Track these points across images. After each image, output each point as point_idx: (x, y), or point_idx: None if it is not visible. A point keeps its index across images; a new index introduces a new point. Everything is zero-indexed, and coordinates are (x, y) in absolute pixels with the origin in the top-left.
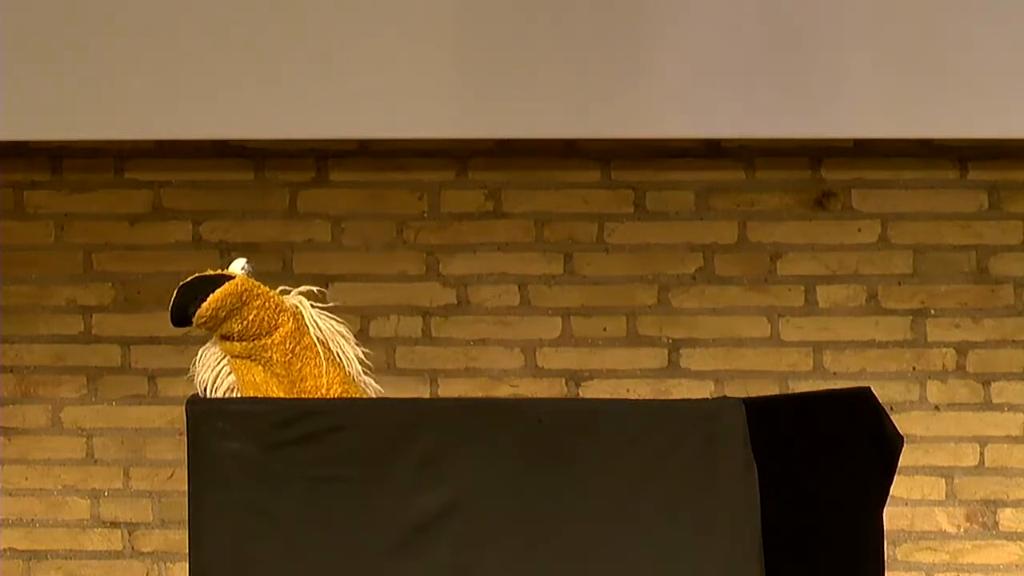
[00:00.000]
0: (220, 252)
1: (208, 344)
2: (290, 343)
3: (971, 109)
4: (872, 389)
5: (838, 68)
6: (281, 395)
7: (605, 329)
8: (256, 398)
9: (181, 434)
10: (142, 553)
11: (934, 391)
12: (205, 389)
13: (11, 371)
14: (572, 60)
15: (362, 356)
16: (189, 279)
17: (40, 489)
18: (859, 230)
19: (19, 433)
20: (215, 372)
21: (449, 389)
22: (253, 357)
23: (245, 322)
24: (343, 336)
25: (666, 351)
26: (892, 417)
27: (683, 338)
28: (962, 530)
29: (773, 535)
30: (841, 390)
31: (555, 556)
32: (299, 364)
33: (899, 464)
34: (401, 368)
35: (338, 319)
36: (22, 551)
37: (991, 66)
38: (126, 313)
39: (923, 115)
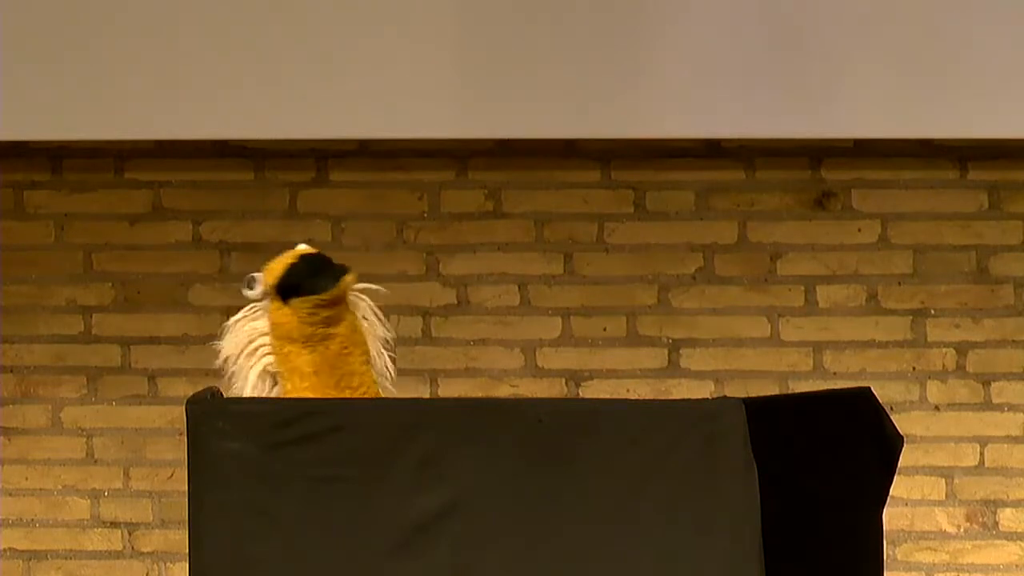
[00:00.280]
0: (220, 252)
1: (242, 318)
2: (351, 337)
3: (971, 109)
4: (872, 389)
5: (838, 68)
6: (327, 384)
7: (605, 329)
8: (256, 398)
9: (181, 434)
10: (142, 553)
11: (934, 391)
12: (230, 361)
13: (11, 371)
14: (572, 60)
15: (391, 363)
16: (308, 252)
17: (40, 489)
18: (859, 230)
19: (19, 433)
20: (252, 348)
21: (449, 389)
22: (310, 343)
23: (335, 309)
24: (387, 340)
25: (666, 351)
26: (892, 417)
27: (683, 338)
28: (962, 530)
29: (773, 535)
30: (841, 390)
31: (555, 556)
32: (352, 359)
33: (899, 464)
34: (401, 368)
35: (387, 324)
36: (22, 551)
37: (991, 66)
38: (126, 313)
39: (923, 115)
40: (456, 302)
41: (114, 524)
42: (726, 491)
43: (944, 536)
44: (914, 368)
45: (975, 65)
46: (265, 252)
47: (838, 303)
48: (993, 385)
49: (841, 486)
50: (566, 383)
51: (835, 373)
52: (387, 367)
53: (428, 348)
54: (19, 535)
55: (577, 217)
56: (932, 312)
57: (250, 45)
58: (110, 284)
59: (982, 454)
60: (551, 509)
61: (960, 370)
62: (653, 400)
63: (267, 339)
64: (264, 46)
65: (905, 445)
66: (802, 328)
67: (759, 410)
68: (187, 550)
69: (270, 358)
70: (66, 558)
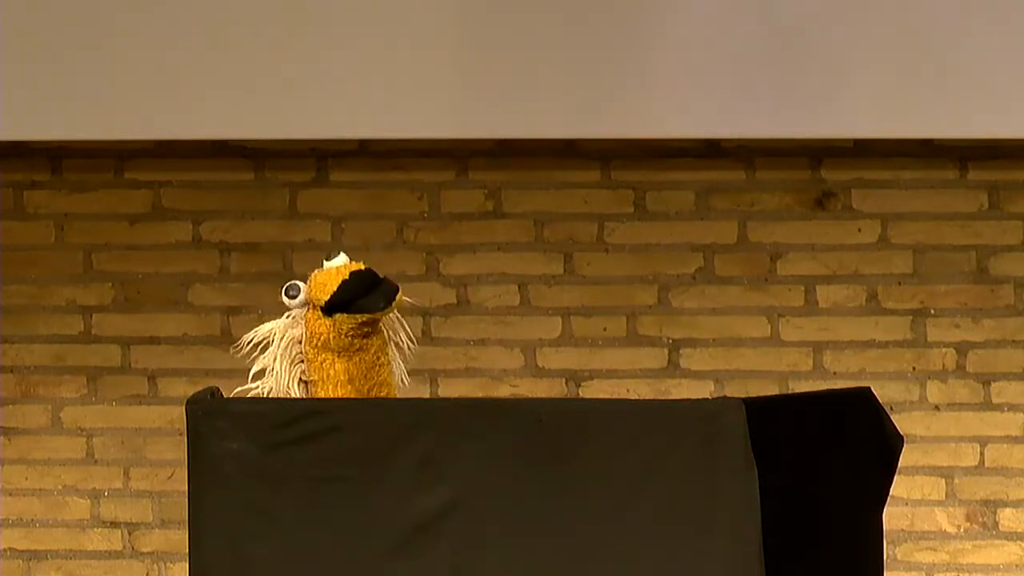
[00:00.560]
0: (220, 252)
1: (277, 326)
2: (384, 348)
3: (971, 109)
4: (872, 389)
5: (838, 68)
6: (360, 393)
7: (605, 329)
8: (256, 398)
9: (181, 434)
10: (142, 553)
11: (934, 391)
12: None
13: (11, 371)
14: (572, 60)
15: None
16: (358, 268)
17: (40, 489)
18: (859, 230)
19: (19, 433)
20: (292, 357)
21: (449, 389)
22: (347, 352)
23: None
24: (408, 353)
25: (666, 351)
26: (892, 417)
27: (683, 338)
28: (962, 530)
29: (773, 535)
30: (841, 390)
31: (555, 556)
32: (384, 370)
33: (899, 464)
34: None
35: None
36: (22, 551)
37: (991, 66)
38: (126, 313)
39: (923, 115)
40: (456, 302)
41: (114, 524)
42: (726, 491)
43: (944, 536)
44: (914, 368)
45: (975, 65)
46: (265, 252)
47: (838, 303)
48: (993, 385)
49: (841, 486)
50: (566, 383)
51: (835, 373)
52: (403, 379)
53: (428, 348)
54: (19, 535)
55: (577, 217)
56: (932, 312)
57: (250, 45)
58: (110, 284)
59: (982, 454)
60: (551, 509)
61: (960, 370)
62: (653, 400)
63: (301, 347)
64: (264, 46)
65: (905, 445)
66: (802, 328)
67: (759, 410)
68: (187, 550)
69: (303, 365)
70: (66, 558)
